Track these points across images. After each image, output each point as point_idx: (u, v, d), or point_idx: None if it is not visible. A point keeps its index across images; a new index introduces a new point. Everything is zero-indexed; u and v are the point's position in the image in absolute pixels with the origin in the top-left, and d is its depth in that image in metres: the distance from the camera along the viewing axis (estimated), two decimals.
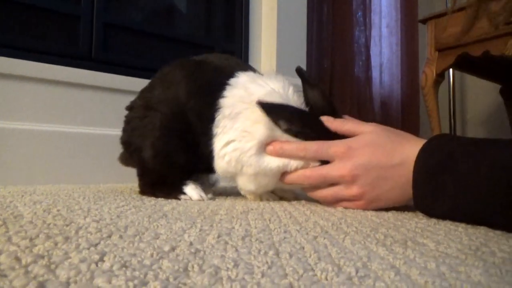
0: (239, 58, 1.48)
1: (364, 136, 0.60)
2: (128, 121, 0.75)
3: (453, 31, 1.37)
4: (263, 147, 0.64)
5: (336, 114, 0.66)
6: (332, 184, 0.63)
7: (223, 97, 0.66)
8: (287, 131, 0.63)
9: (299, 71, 0.66)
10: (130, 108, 0.76)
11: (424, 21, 1.60)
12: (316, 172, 0.63)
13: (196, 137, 0.68)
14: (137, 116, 0.73)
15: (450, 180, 0.50)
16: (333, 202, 0.65)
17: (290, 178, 0.66)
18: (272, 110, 0.62)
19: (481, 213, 0.48)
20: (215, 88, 0.67)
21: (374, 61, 2.40)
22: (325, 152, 0.62)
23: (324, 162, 0.63)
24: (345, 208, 0.63)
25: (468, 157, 0.49)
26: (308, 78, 0.66)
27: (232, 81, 0.67)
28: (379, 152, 0.58)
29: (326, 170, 0.62)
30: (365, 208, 0.61)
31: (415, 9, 2.52)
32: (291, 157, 0.64)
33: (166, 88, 0.71)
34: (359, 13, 2.30)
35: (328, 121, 0.63)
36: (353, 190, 0.60)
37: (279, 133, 0.64)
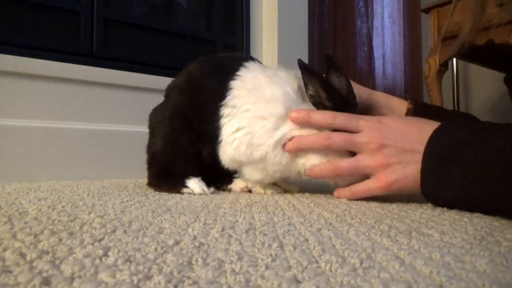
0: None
1: (393, 115, 0.60)
2: (148, 126, 0.77)
3: (457, 19, 1.35)
4: (277, 124, 0.63)
5: (355, 106, 0.65)
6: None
7: (235, 79, 0.67)
8: (311, 97, 0.64)
9: (327, 55, 0.66)
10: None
11: (427, 10, 1.58)
12: (341, 137, 0.60)
13: (204, 116, 0.69)
14: (153, 113, 0.76)
15: (458, 168, 0.49)
16: (350, 175, 0.62)
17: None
18: (308, 71, 0.63)
19: (489, 201, 0.47)
20: (229, 68, 0.69)
21: (377, 52, 2.38)
22: (355, 123, 0.60)
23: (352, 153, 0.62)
24: (357, 196, 0.62)
25: (476, 145, 0.48)
26: (337, 63, 0.65)
27: (247, 64, 0.69)
28: (410, 125, 0.57)
29: (353, 136, 0.60)
30: (381, 189, 0.58)
31: None
32: (318, 125, 0.62)
33: (180, 75, 0.75)
34: (361, 3, 2.28)
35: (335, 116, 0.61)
36: (379, 159, 0.57)
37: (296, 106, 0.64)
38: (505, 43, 1.33)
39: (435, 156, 0.53)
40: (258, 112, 0.64)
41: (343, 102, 0.63)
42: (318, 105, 0.64)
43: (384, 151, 0.58)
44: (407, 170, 0.56)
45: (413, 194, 0.58)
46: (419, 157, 0.54)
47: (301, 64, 0.63)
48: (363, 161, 0.60)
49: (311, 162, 0.64)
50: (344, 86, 0.64)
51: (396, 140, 0.57)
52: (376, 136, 0.58)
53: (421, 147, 0.55)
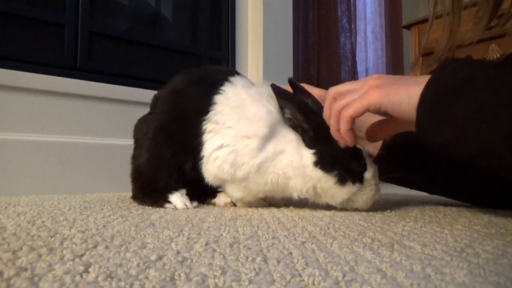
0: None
1: None
2: (133, 136, 0.77)
3: (436, 36, 1.40)
4: (261, 145, 0.63)
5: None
6: None
7: (219, 93, 0.67)
8: (288, 120, 0.64)
9: (291, 81, 0.68)
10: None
11: (408, 27, 1.63)
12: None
13: (187, 127, 0.68)
14: (138, 124, 0.76)
15: (463, 104, 0.45)
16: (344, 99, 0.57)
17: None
18: (284, 96, 0.63)
19: (491, 146, 0.43)
20: (213, 81, 0.70)
21: (360, 67, 2.43)
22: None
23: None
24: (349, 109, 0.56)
25: (488, 82, 0.44)
26: (301, 87, 0.67)
27: (232, 78, 0.70)
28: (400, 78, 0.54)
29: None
30: (374, 97, 0.53)
31: (399, 15, 2.56)
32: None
33: (165, 85, 0.76)
34: (345, 20, 2.33)
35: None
36: (369, 81, 0.55)
37: (278, 129, 0.64)
38: (482, 58, 1.38)
39: (439, 88, 0.48)
40: (242, 131, 0.64)
41: (320, 122, 0.63)
42: (297, 127, 0.64)
43: (375, 77, 0.56)
44: (404, 87, 0.52)
45: (406, 119, 0.52)
46: (421, 87, 0.50)
47: (275, 89, 0.63)
48: (356, 85, 0.57)
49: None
50: (314, 105, 0.65)
51: (384, 76, 0.55)
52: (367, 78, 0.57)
53: (423, 81, 0.50)
